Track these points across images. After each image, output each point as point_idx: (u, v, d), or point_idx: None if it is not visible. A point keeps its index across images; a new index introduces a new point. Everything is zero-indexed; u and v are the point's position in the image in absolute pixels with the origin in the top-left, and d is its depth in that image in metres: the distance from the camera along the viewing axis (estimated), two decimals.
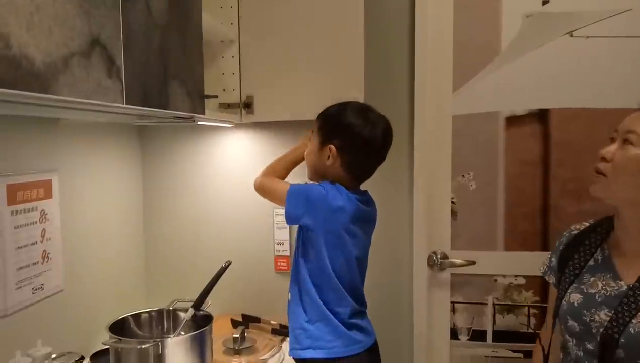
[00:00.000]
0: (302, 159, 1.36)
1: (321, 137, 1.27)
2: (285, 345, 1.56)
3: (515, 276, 1.67)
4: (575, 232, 1.20)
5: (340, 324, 1.25)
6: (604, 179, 1.05)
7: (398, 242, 1.72)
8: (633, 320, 0.97)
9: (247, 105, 1.60)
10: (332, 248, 1.23)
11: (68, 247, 1.41)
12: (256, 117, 1.60)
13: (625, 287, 1.02)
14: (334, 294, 1.25)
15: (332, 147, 1.23)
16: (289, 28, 1.57)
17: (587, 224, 1.19)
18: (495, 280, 1.69)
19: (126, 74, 0.92)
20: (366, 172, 1.31)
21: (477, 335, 1.71)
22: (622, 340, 0.97)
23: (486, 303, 1.69)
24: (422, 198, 1.68)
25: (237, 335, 1.53)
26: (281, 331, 1.65)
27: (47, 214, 1.33)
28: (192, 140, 1.84)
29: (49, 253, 1.34)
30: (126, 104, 0.93)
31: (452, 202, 1.68)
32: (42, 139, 1.34)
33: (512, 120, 1.61)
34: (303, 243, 1.27)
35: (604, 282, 1.06)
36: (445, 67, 1.65)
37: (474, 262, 1.65)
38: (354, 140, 1.23)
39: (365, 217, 1.30)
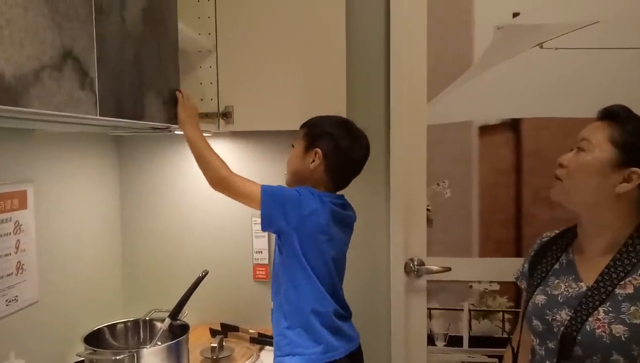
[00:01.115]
0: None
1: (307, 142, 1.31)
2: (264, 354, 1.57)
3: (490, 282, 1.70)
4: (546, 239, 1.25)
5: (321, 328, 1.25)
6: (560, 183, 1.11)
7: (375, 249, 1.74)
8: (590, 319, 1.02)
9: (225, 115, 1.61)
10: (310, 250, 1.23)
11: (43, 258, 1.40)
12: (235, 127, 1.61)
13: (585, 288, 1.07)
14: (315, 297, 1.25)
15: (319, 150, 1.27)
16: (268, 38, 1.59)
17: (557, 231, 1.24)
18: (471, 287, 1.71)
19: (100, 86, 0.93)
20: (345, 179, 1.34)
21: (454, 341, 1.73)
22: (580, 338, 1.02)
23: (462, 309, 1.72)
24: (399, 206, 1.70)
25: (215, 345, 1.53)
26: (260, 340, 1.65)
27: (21, 225, 1.32)
28: (170, 150, 1.84)
29: (23, 264, 1.33)
30: (99, 116, 0.93)
31: (428, 210, 1.71)
32: (16, 149, 1.33)
33: (485, 130, 1.65)
34: (280, 248, 1.28)
35: (566, 284, 1.11)
36: (420, 77, 1.68)
37: (449, 269, 1.68)
38: (340, 146, 1.28)
39: (343, 220, 1.32)
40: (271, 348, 1.39)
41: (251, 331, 1.70)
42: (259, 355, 1.56)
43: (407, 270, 1.71)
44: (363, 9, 1.70)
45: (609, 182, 1.04)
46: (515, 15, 1.61)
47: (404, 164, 1.69)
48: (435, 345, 1.74)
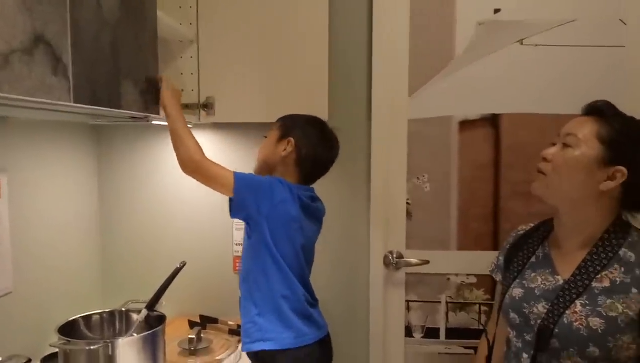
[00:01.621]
0: None
1: (281, 132, 1.34)
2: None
3: (467, 275, 1.72)
4: (521, 232, 1.26)
5: (292, 314, 1.27)
6: (543, 177, 1.10)
7: (355, 242, 1.75)
8: (567, 312, 1.03)
9: (206, 106, 1.60)
10: (280, 237, 1.25)
11: (18, 248, 1.38)
12: (217, 118, 1.60)
13: (561, 281, 1.08)
14: (285, 283, 1.27)
15: (292, 139, 1.31)
16: (250, 29, 1.58)
17: (532, 225, 1.26)
18: (448, 279, 1.73)
19: (74, 72, 0.92)
20: (312, 175, 1.36)
21: (431, 333, 1.75)
22: (556, 330, 1.03)
23: (439, 302, 1.74)
24: (379, 199, 1.71)
25: (193, 336, 1.52)
26: (238, 331, 1.65)
27: None
28: (150, 141, 1.83)
29: None
30: (74, 102, 0.92)
31: (408, 203, 1.72)
32: None
33: (465, 124, 1.66)
34: (248, 235, 1.29)
35: (543, 277, 1.12)
36: (401, 72, 1.68)
37: (427, 262, 1.69)
38: (311, 140, 1.33)
39: (312, 212, 1.34)
40: None
41: (230, 323, 1.70)
42: (237, 347, 1.55)
43: (386, 262, 1.73)
44: (346, 2, 1.70)
45: (593, 179, 1.04)
46: (497, 11, 1.63)
47: (385, 158, 1.70)
48: (413, 337, 1.76)
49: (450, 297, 1.73)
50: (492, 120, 1.67)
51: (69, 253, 1.67)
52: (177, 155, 1.25)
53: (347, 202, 1.74)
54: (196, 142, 1.25)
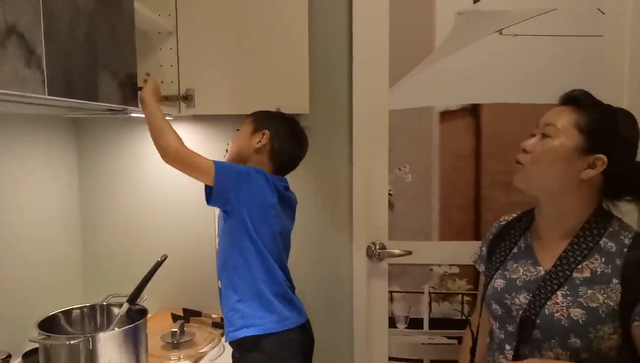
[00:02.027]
0: None
1: (255, 125, 1.38)
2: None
3: (450, 265, 1.73)
4: (504, 222, 1.26)
5: (273, 299, 1.28)
6: (522, 168, 1.11)
7: (338, 233, 1.75)
8: (548, 303, 1.04)
9: (186, 98, 1.58)
10: (259, 223, 1.27)
11: None
12: (197, 110, 1.59)
13: (543, 272, 1.08)
14: (266, 269, 1.28)
15: (267, 132, 1.35)
16: (229, 20, 1.57)
17: (514, 215, 1.26)
18: (431, 270, 1.75)
19: (47, 64, 0.90)
20: (283, 168, 1.39)
21: (414, 323, 1.76)
22: (538, 321, 1.03)
23: (422, 292, 1.75)
24: (361, 190, 1.71)
25: (176, 329, 1.52)
26: (222, 324, 1.65)
27: None
28: (130, 133, 1.81)
29: None
30: (48, 95, 0.91)
31: (390, 194, 1.73)
32: None
33: (446, 115, 1.67)
34: (227, 223, 1.30)
35: (524, 268, 1.12)
36: (381, 62, 1.68)
37: (410, 252, 1.70)
38: (285, 132, 1.37)
39: (287, 201, 1.37)
40: None
41: (214, 316, 1.70)
42: (220, 340, 1.56)
43: (369, 253, 1.73)
44: None
45: (574, 168, 1.04)
46: (476, 1, 1.63)
47: (366, 149, 1.70)
48: (397, 328, 1.77)
49: (433, 287, 1.75)
50: (473, 111, 1.67)
51: (50, 248, 1.65)
52: (157, 145, 1.25)
53: (329, 193, 1.75)
54: (176, 133, 1.26)
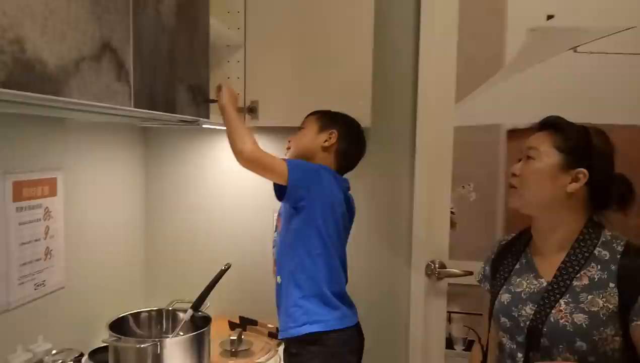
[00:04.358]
0: None
1: (322, 123, 1.40)
2: (282, 349, 1.57)
3: None
4: (504, 242, 1.35)
5: (335, 297, 1.31)
6: (515, 191, 1.21)
7: (397, 249, 1.73)
8: (553, 311, 1.11)
9: (252, 110, 1.61)
10: (328, 220, 1.30)
11: (70, 245, 1.43)
12: (260, 122, 1.61)
13: (545, 283, 1.16)
14: (330, 265, 1.31)
15: (335, 131, 1.37)
16: (296, 35, 1.59)
17: (513, 235, 1.34)
18: None
19: (135, 78, 0.94)
20: (346, 166, 1.42)
21: (473, 346, 1.71)
22: (545, 329, 1.11)
23: (482, 314, 1.70)
24: (422, 207, 1.69)
25: (235, 337, 1.54)
26: (277, 334, 1.66)
27: (50, 212, 1.35)
28: (195, 143, 1.86)
29: (52, 250, 1.36)
30: (134, 107, 0.95)
31: (452, 213, 1.70)
32: (48, 137, 1.36)
33: (514, 133, 1.63)
34: (295, 221, 1.31)
35: (528, 281, 1.20)
36: (449, 78, 1.66)
37: (471, 273, 1.66)
38: (350, 132, 1.40)
39: (349, 201, 1.39)
40: None
41: (269, 325, 1.71)
42: (277, 350, 1.56)
43: (428, 272, 1.70)
44: (392, 7, 1.69)
45: (559, 183, 1.14)
46: (550, 17, 1.59)
47: (429, 165, 1.68)
48: (454, 349, 1.73)
49: None
50: None
51: (116, 252, 1.71)
52: (233, 148, 1.29)
53: (389, 209, 1.73)
54: (252, 135, 1.30)
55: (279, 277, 1.36)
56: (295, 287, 1.31)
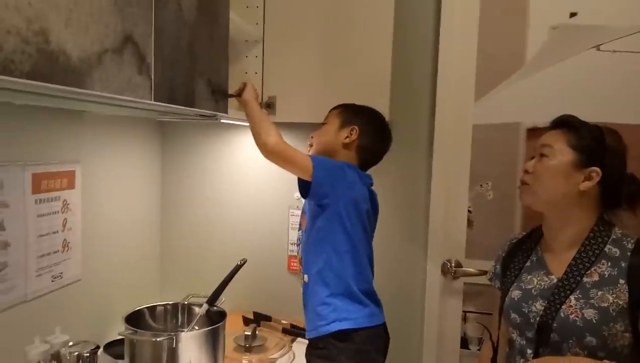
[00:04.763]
0: None
1: (344, 118, 1.38)
2: (296, 346, 1.57)
3: None
4: (515, 240, 1.34)
5: (363, 294, 1.30)
6: (527, 188, 1.21)
7: (413, 247, 1.72)
8: (563, 307, 1.11)
9: (269, 106, 1.61)
10: (353, 217, 1.29)
11: (87, 238, 1.44)
12: (277, 118, 1.60)
13: (555, 280, 1.17)
14: (357, 262, 1.30)
15: (356, 127, 1.35)
16: (314, 31, 1.58)
17: (523, 234, 1.34)
18: None
19: (155, 71, 0.94)
20: (368, 162, 1.40)
21: (483, 343, 1.69)
22: (555, 325, 1.11)
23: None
24: (439, 205, 1.67)
25: (249, 333, 1.54)
26: (292, 331, 1.66)
27: (69, 204, 1.36)
28: (212, 138, 1.86)
29: (69, 242, 1.37)
30: (154, 101, 0.95)
31: (469, 211, 1.68)
32: (66, 130, 1.37)
33: (534, 132, 1.60)
34: (320, 218, 1.30)
35: (538, 278, 1.20)
36: (468, 75, 1.64)
37: (487, 272, 1.64)
38: (373, 127, 1.38)
39: (372, 198, 1.38)
40: (303, 340, 1.40)
41: (284, 322, 1.71)
42: (291, 347, 1.56)
43: (444, 270, 1.69)
44: (413, 3, 1.67)
45: (572, 181, 1.14)
46: (573, 15, 1.56)
47: (447, 163, 1.66)
48: (469, 349, 1.71)
49: None
50: None
51: (132, 245, 1.72)
52: (257, 141, 1.29)
53: (405, 206, 1.72)
54: (275, 128, 1.29)
55: (306, 276, 1.34)
56: (322, 285, 1.30)
